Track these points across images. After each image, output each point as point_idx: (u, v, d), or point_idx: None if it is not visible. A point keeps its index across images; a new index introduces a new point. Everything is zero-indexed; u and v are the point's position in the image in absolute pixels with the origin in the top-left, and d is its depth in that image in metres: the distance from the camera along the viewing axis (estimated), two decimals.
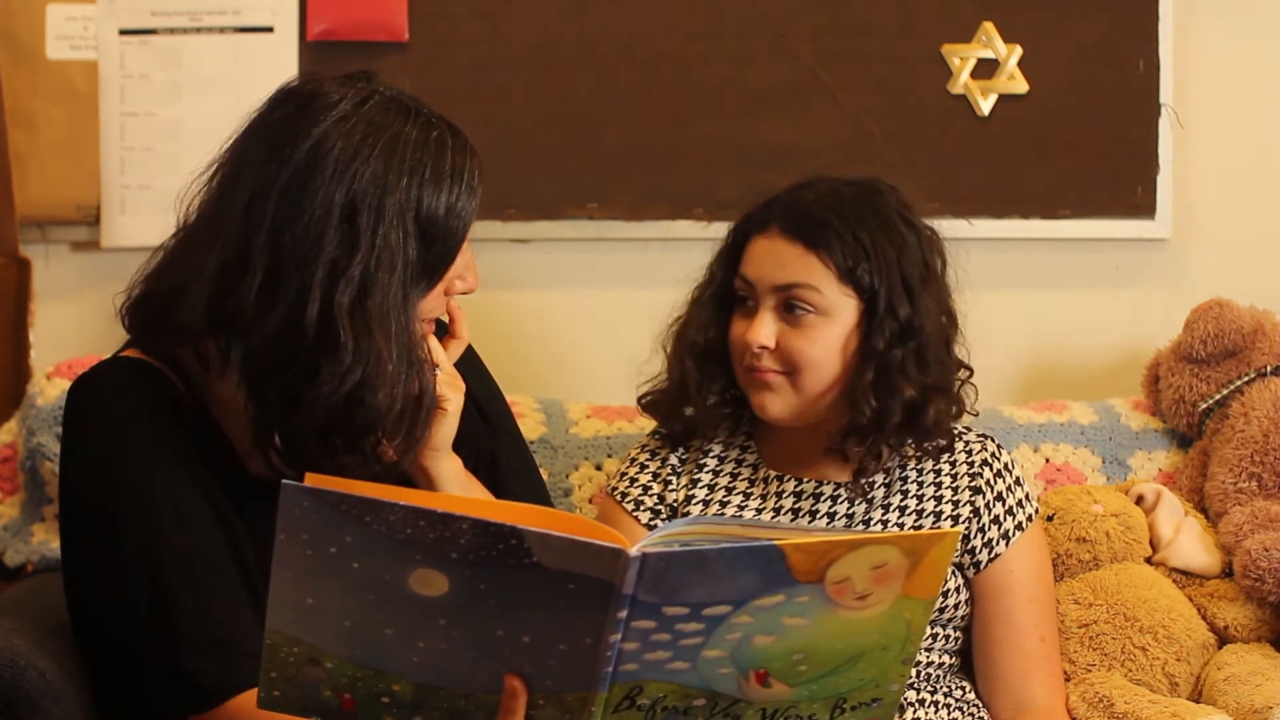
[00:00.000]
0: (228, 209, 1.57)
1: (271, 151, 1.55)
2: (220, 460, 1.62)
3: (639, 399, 1.99)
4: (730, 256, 1.90)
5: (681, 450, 1.97)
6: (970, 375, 1.92)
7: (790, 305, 1.82)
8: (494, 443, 1.85)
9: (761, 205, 1.89)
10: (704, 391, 1.92)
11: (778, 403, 1.85)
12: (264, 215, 1.54)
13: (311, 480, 1.24)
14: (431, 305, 1.62)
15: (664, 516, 1.93)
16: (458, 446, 1.74)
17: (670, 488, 1.94)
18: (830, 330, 1.82)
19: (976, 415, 1.96)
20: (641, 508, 1.94)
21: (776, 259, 1.83)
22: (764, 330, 1.82)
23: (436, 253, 1.58)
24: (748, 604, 1.25)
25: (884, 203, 1.86)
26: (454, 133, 1.61)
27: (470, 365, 1.88)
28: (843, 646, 1.31)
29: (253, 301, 1.53)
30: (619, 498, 1.96)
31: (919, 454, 1.90)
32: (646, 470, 1.96)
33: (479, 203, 1.62)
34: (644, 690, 1.28)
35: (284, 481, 1.22)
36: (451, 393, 1.67)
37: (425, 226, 1.56)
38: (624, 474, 1.98)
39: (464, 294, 1.67)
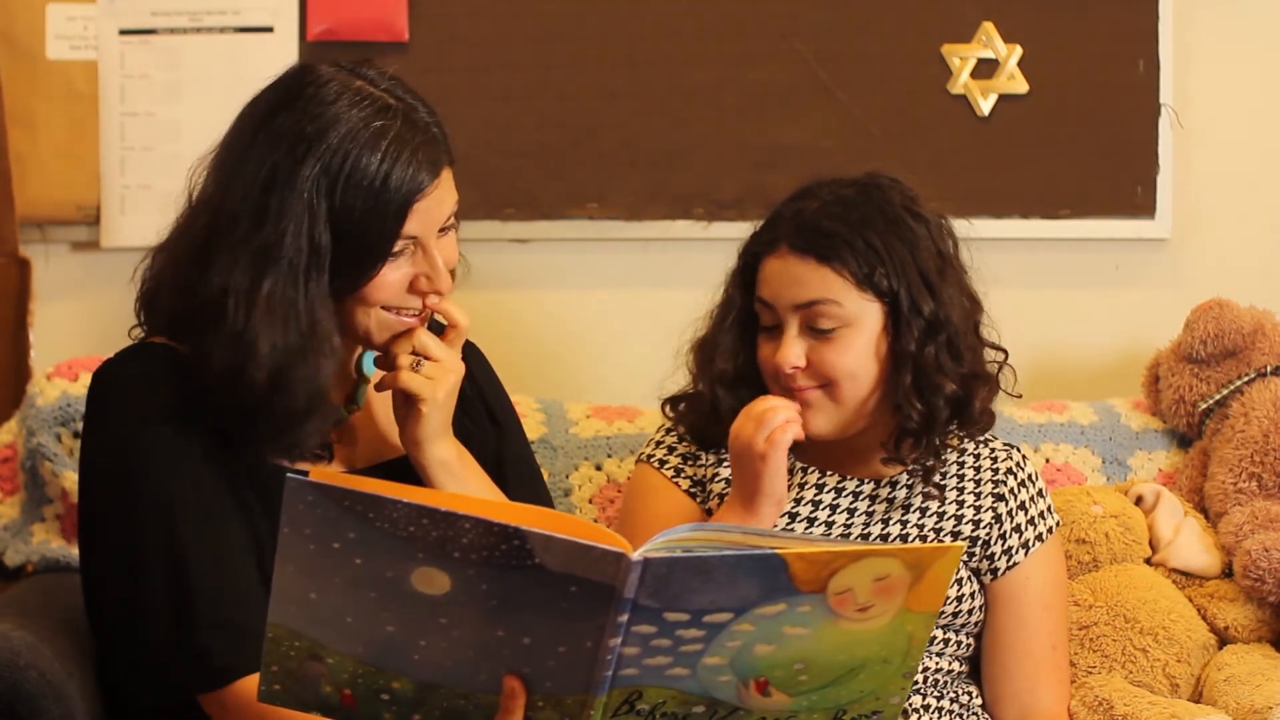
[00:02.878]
0: (204, 186, 1.64)
1: (237, 129, 1.63)
2: (240, 442, 1.63)
3: (664, 405, 1.97)
4: (744, 279, 1.88)
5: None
6: (1006, 357, 1.91)
7: (814, 321, 1.80)
8: (501, 445, 1.86)
9: (766, 224, 1.87)
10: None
11: (820, 419, 1.83)
12: (213, 188, 1.62)
13: (316, 475, 1.24)
14: (381, 296, 1.62)
15: (700, 488, 1.93)
16: (465, 445, 1.76)
17: (699, 463, 1.94)
18: (859, 338, 1.81)
19: (1019, 397, 1.96)
20: (681, 475, 1.94)
21: (791, 278, 1.81)
22: (793, 350, 1.80)
23: (354, 245, 1.58)
24: (749, 612, 1.25)
25: (887, 199, 1.84)
26: (406, 126, 1.60)
27: (480, 368, 1.89)
28: (843, 658, 1.31)
29: (190, 276, 1.61)
30: (657, 465, 1.95)
31: (962, 436, 1.90)
32: (684, 441, 1.96)
33: (425, 203, 1.60)
34: (643, 695, 1.28)
35: (288, 475, 1.23)
36: (431, 389, 1.67)
37: (340, 217, 1.57)
38: (659, 443, 1.97)
39: (431, 294, 1.65)
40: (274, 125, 1.59)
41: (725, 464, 1.91)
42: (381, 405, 1.78)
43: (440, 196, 1.62)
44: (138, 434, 1.59)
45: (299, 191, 1.55)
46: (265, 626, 1.29)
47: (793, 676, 1.31)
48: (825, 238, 1.80)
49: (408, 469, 1.69)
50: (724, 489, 1.90)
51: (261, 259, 1.56)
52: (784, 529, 1.86)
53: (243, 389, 1.57)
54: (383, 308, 1.64)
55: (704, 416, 1.91)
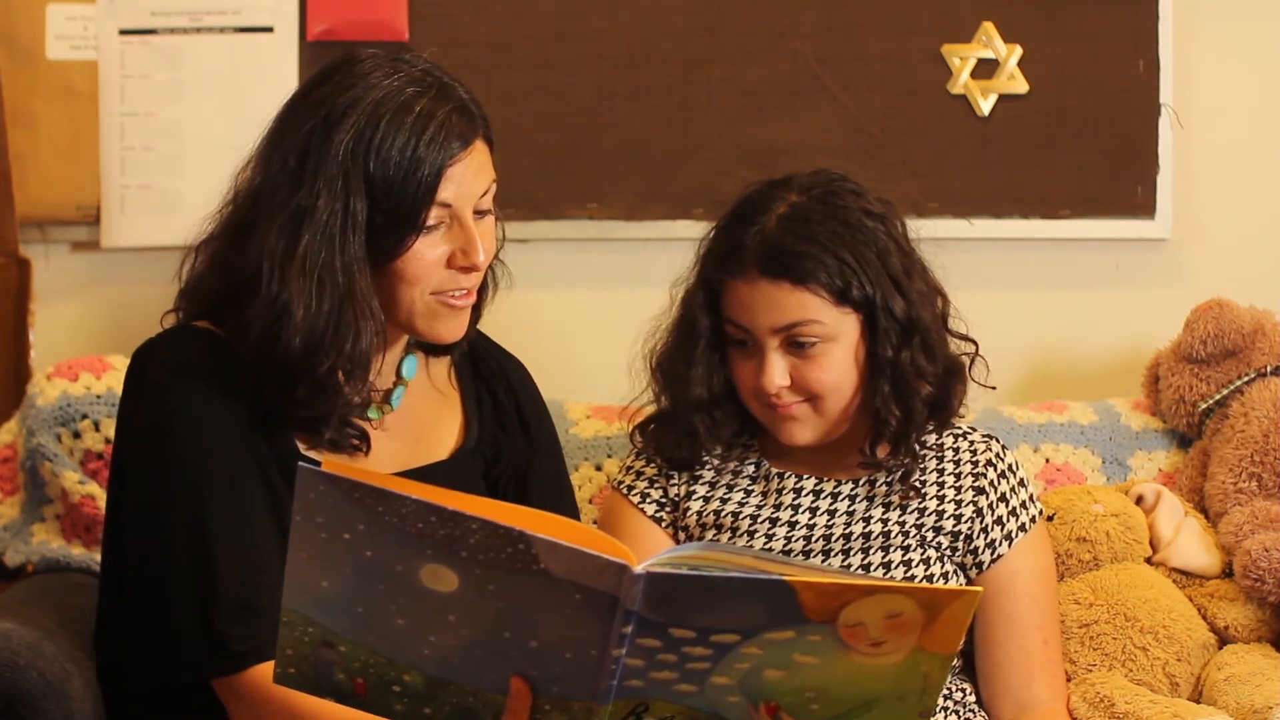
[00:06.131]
0: (249, 177, 1.67)
1: (277, 115, 1.66)
2: (275, 430, 1.65)
3: (633, 432, 1.97)
4: (710, 303, 1.86)
5: None
6: (977, 349, 1.92)
7: (795, 341, 1.80)
8: (531, 456, 1.87)
9: (726, 249, 1.83)
10: (716, 438, 1.91)
11: (806, 431, 1.85)
12: (254, 173, 1.65)
13: (328, 465, 1.25)
14: (420, 273, 1.63)
15: (668, 510, 1.94)
16: (494, 459, 1.79)
17: (673, 482, 1.94)
18: (839, 350, 1.81)
19: (994, 389, 1.97)
20: (648, 500, 1.94)
21: (767, 302, 1.79)
22: (776, 372, 1.80)
23: (389, 211, 1.59)
24: (757, 636, 1.24)
25: (845, 205, 1.83)
26: (439, 97, 1.62)
27: (520, 379, 1.92)
28: (856, 691, 1.29)
29: (231, 255, 1.63)
30: (625, 491, 1.96)
31: (937, 432, 1.91)
32: (652, 464, 1.96)
33: (458, 169, 1.61)
34: (650, 708, 1.28)
35: (300, 464, 1.24)
36: None
37: (375, 182, 1.58)
38: (629, 468, 1.98)
39: (467, 269, 1.65)
40: (310, 98, 1.62)
41: (700, 481, 1.93)
42: (418, 410, 1.78)
43: (475, 167, 1.63)
44: (173, 415, 1.61)
45: (333, 156, 1.57)
46: (280, 616, 1.30)
47: (804, 704, 1.29)
48: (796, 259, 1.78)
49: (441, 475, 1.70)
50: (701, 507, 1.91)
51: (296, 222, 1.57)
52: (765, 534, 1.87)
53: (279, 355, 1.58)
54: (430, 294, 1.65)
55: (677, 439, 1.91)
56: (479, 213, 1.65)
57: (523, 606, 1.23)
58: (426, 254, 1.62)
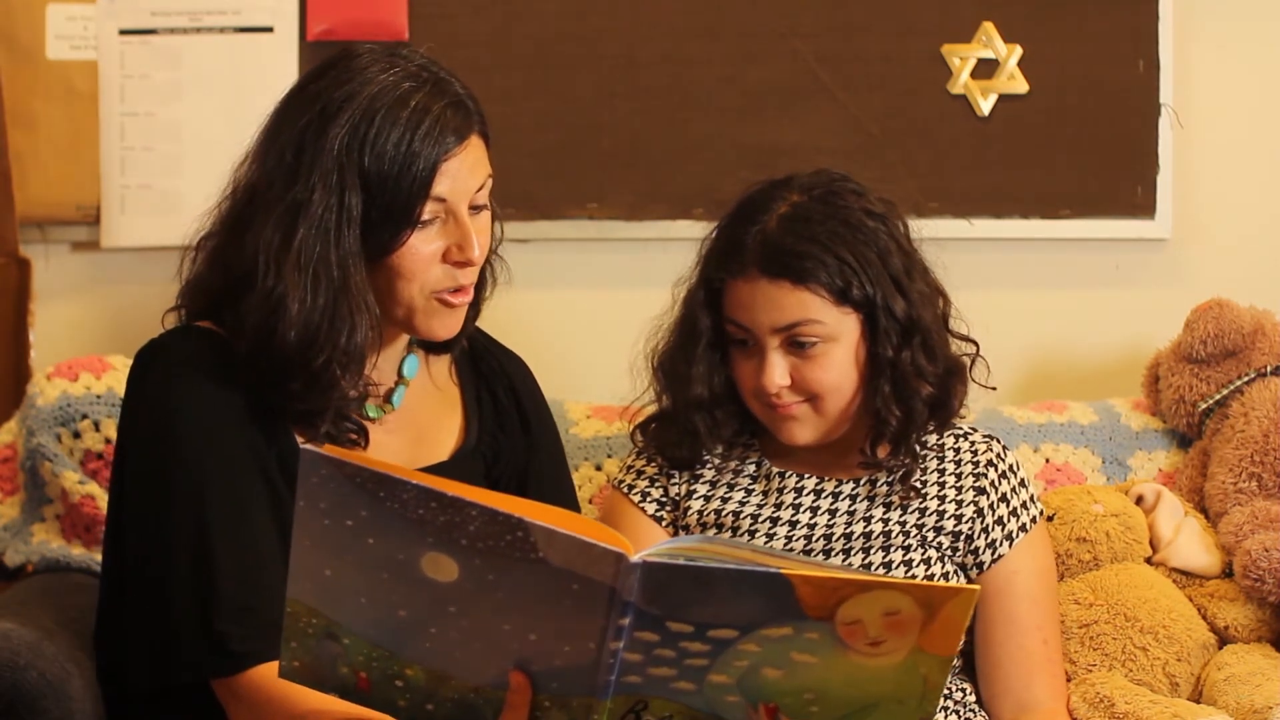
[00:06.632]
0: (247, 171, 1.67)
1: (275, 109, 1.66)
2: (276, 429, 1.65)
3: (634, 431, 1.97)
4: (711, 302, 1.87)
5: None
6: (978, 349, 1.93)
7: (795, 340, 1.80)
8: (530, 455, 1.87)
9: (727, 249, 1.84)
10: (717, 437, 1.92)
11: (806, 430, 1.85)
12: (251, 168, 1.65)
13: (330, 450, 1.25)
14: (415, 268, 1.63)
15: (669, 509, 1.94)
16: (495, 459, 1.79)
17: (673, 481, 1.94)
18: (840, 350, 1.81)
19: (994, 389, 1.97)
20: (648, 499, 1.94)
21: (768, 301, 1.80)
22: (776, 371, 1.81)
23: (384, 206, 1.59)
24: (755, 632, 1.24)
25: (846, 205, 1.83)
26: (434, 92, 1.62)
27: (521, 378, 1.92)
28: (856, 693, 1.29)
29: (229, 250, 1.64)
30: (625, 490, 1.96)
31: (937, 432, 1.91)
32: (653, 463, 1.97)
33: (453, 164, 1.61)
34: (649, 706, 1.28)
35: (303, 447, 1.25)
36: None
37: (370, 177, 1.58)
38: (630, 467, 1.99)
39: (462, 264, 1.65)
40: (306, 92, 1.62)
41: (701, 481, 1.93)
42: (419, 410, 1.78)
43: (470, 162, 1.63)
44: (174, 415, 1.61)
45: (328, 150, 1.57)
46: (284, 606, 1.30)
47: (803, 706, 1.29)
48: (796, 259, 1.79)
49: (443, 476, 1.69)
50: (701, 507, 1.91)
51: (292, 216, 1.58)
52: (766, 534, 1.87)
53: (274, 348, 1.59)
54: (429, 293, 1.64)
55: (678, 438, 1.92)
56: (474, 208, 1.65)
57: (522, 597, 1.24)
58: (421, 249, 1.62)
